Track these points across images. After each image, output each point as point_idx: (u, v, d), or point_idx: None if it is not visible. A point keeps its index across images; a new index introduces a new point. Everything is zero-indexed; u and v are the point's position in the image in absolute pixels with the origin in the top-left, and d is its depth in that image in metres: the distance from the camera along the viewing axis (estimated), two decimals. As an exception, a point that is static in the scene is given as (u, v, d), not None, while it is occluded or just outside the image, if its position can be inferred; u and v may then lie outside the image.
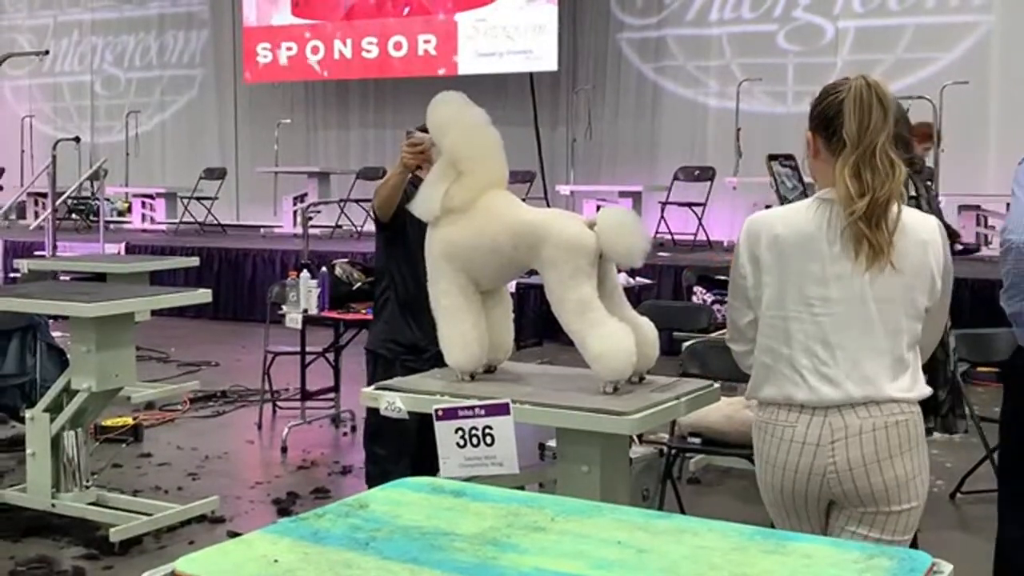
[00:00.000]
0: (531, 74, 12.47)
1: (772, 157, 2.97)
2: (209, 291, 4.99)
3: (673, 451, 4.37)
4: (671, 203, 10.81)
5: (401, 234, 4.00)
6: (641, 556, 1.67)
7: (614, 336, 3.21)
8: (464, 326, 3.40)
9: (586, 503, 1.96)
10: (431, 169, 3.46)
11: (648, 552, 1.68)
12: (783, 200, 2.91)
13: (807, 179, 2.98)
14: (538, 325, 8.50)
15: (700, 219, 10.63)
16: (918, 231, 2.40)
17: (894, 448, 2.38)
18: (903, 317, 2.39)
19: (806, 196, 2.74)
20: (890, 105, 2.38)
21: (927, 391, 2.48)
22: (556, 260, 3.23)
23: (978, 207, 7.87)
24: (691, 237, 10.67)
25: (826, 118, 2.42)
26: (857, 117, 2.34)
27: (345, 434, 6.22)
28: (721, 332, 5.30)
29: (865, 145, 2.33)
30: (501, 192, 3.46)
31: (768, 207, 10.92)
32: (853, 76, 2.42)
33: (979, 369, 6.74)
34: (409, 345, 4.05)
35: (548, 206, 12.28)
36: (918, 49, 10.77)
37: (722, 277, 7.31)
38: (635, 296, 6.91)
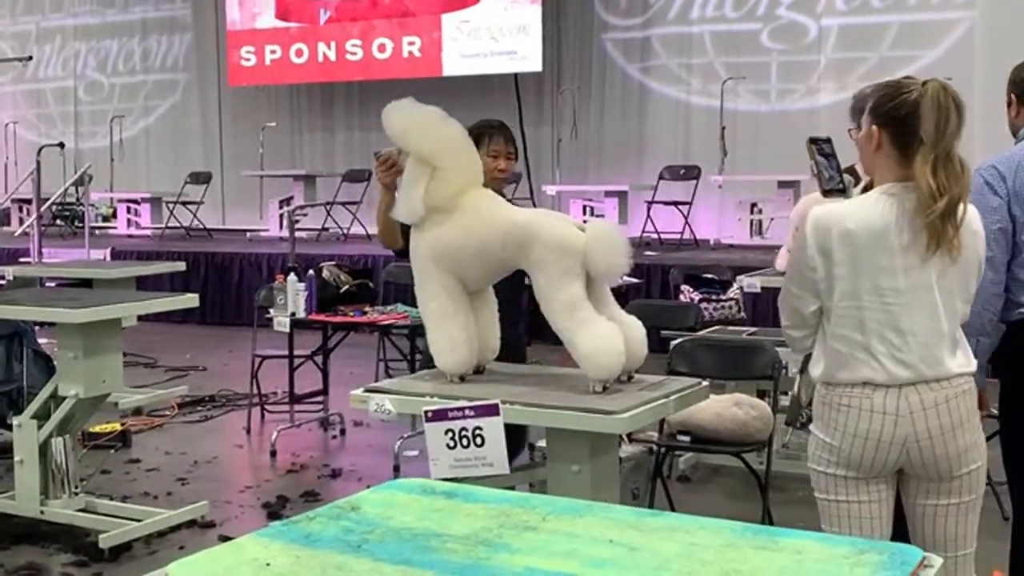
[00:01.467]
0: (516, 75, 12.47)
1: (813, 140, 2.98)
2: (196, 296, 4.98)
3: (662, 449, 4.38)
4: (657, 202, 10.83)
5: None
6: (633, 554, 1.67)
7: (603, 335, 3.22)
8: (453, 329, 3.40)
9: (577, 502, 1.96)
10: (403, 173, 3.44)
11: (640, 550, 1.68)
12: (827, 191, 2.95)
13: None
14: (527, 325, 8.50)
15: (686, 217, 10.66)
16: (971, 223, 2.58)
17: (964, 416, 2.61)
18: (959, 302, 2.62)
19: (843, 186, 2.88)
20: (964, 109, 2.53)
21: (975, 363, 2.70)
22: (545, 260, 3.23)
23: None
24: (677, 236, 10.69)
25: (897, 116, 2.54)
26: (934, 119, 2.48)
27: (334, 437, 6.21)
28: (710, 330, 5.32)
29: (943, 146, 2.48)
30: (486, 192, 3.46)
31: (753, 205, 10.86)
32: (923, 77, 2.58)
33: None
34: None
35: (535, 206, 12.30)
36: (902, 46, 10.81)
37: (709, 275, 7.33)
38: (623, 295, 6.92)
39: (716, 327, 5.57)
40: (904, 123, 2.52)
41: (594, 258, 3.20)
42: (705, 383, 3.54)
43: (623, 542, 1.71)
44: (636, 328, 3.36)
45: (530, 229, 3.28)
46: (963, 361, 2.63)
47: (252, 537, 1.83)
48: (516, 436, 3.29)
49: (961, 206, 2.50)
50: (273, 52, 13.49)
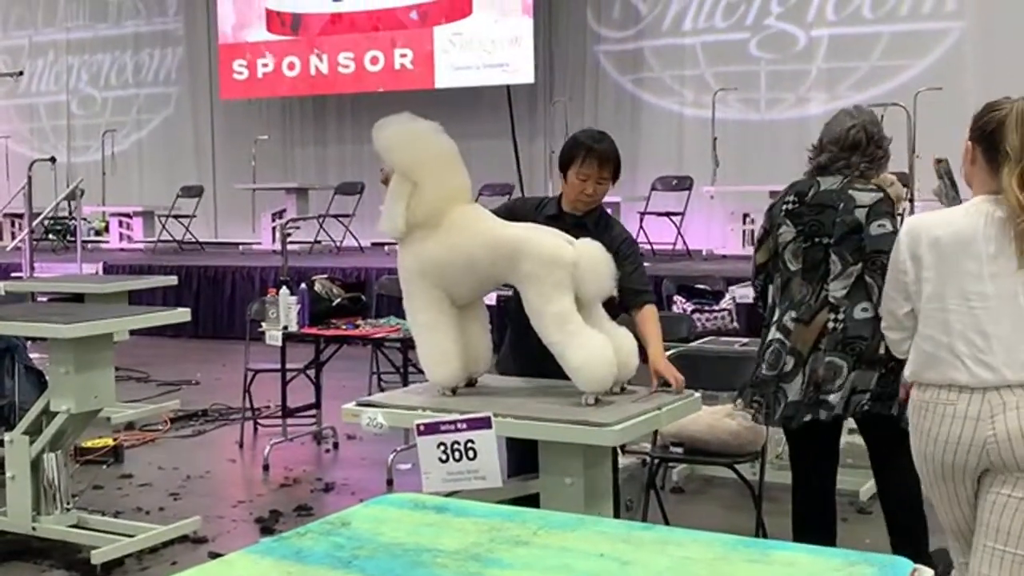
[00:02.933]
0: (508, 87, 12.49)
1: (939, 161, 3.17)
2: (188, 310, 4.98)
3: (656, 461, 4.38)
4: (649, 213, 10.84)
5: None
6: (624, 568, 1.67)
7: (593, 347, 3.22)
8: (443, 341, 3.41)
9: (568, 516, 1.96)
10: (388, 189, 3.44)
11: (631, 564, 1.68)
12: (947, 204, 3.10)
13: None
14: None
15: (679, 228, 10.67)
16: None
17: None
18: None
19: (959, 201, 2.99)
20: None
21: None
22: (535, 274, 3.24)
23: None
24: (670, 246, 10.69)
25: (986, 132, 2.74)
26: (1019, 134, 2.67)
27: (327, 451, 6.19)
28: (703, 341, 5.32)
29: None
30: (472, 206, 3.47)
31: (745, 215, 10.89)
32: (1014, 98, 2.76)
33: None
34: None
35: (527, 218, 12.30)
36: (892, 56, 10.85)
37: (701, 286, 7.33)
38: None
39: (709, 338, 5.57)
40: (991, 138, 2.71)
41: (583, 281, 3.21)
42: (697, 395, 3.54)
43: (614, 556, 1.71)
44: (627, 340, 3.37)
45: (519, 244, 3.29)
46: None
47: (242, 554, 1.82)
48: (532, 455, 3.29)
49: None
50: (265, 65, 13.50)
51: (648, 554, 1.72)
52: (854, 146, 3.76)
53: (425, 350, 3.45)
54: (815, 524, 3.83)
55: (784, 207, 3.81)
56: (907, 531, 3.79)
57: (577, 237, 3.37)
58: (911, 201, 5.98)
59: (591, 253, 3.25)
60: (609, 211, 11.00)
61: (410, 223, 3.37)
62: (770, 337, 3.80)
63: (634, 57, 12.25)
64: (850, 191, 3.70)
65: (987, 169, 2.74)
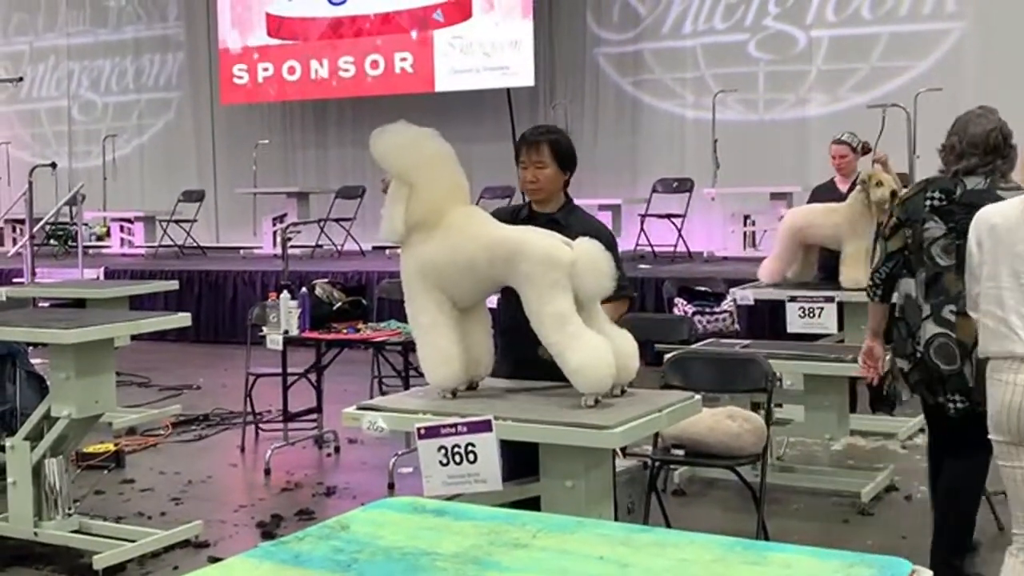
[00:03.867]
0: (508, 90, 12.49)
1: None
2: (188, 315, 4.98)
3: (657, 463, 4.37)
4: (650, 215, 10.84)
5: None
6: (624, 570, 1.67)
7: (592, 348, 3.22)
8: (443, 343, 3.41)
9: (568, 519, 1.96)
10: (387, 194, 3.46)
11: (630, 566, 1.68)
12: None
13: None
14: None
15: (679, 230, 10.66)
16: None
17: None
18: None
19: None
20: None
21: None
22: (533, 275, 3.24)
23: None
24: (671, 248, 10.69)
25: None
26: None
27: (329, 455, 6.19)
28: (703, 343, 5.31)
29: None
30: (470, 208, 3.48)
31: (746, 217, 10.85)
32: None
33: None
34: None
35: (528, 221, 12.29)
36: (892, 57, 10.85)
37: (702, 288, 7.33)
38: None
39: (710, 340, 5.56)
40: None
41: (582, 281, 3.21)
42: (698, 397, 3.54)
43: (614, 559, 1.71)
44: (627, 341, 3.36)
45: (517, 245, 3.29)
46: None
47: (241, 558, 1.83)
48: (526, 456, 3.29)
49: None
50: (266, 70, 13.51)
51: (647, 556, 1.72)
52: (995, 148, 3.88)
53: (425, 352, 3.45)
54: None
55: (928, 203, 3.87)
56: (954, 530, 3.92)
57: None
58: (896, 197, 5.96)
59: (589, 252, 3.25)
60: (610, 213, 10.95)
61: (408, 225, 3.38)
62: (931, 332, 3.80)
63: (634, 59, 12.25)
64: (997, 191, 3.80)
65: None
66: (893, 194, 5.77)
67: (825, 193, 6.34)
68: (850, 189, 6.31)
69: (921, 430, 6.23)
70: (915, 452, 5.86)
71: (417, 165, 3.43)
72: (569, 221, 3.69)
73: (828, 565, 1.63)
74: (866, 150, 6.57)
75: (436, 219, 3.37)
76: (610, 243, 3.50)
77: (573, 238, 3.31)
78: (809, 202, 6.49)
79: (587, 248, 3.26)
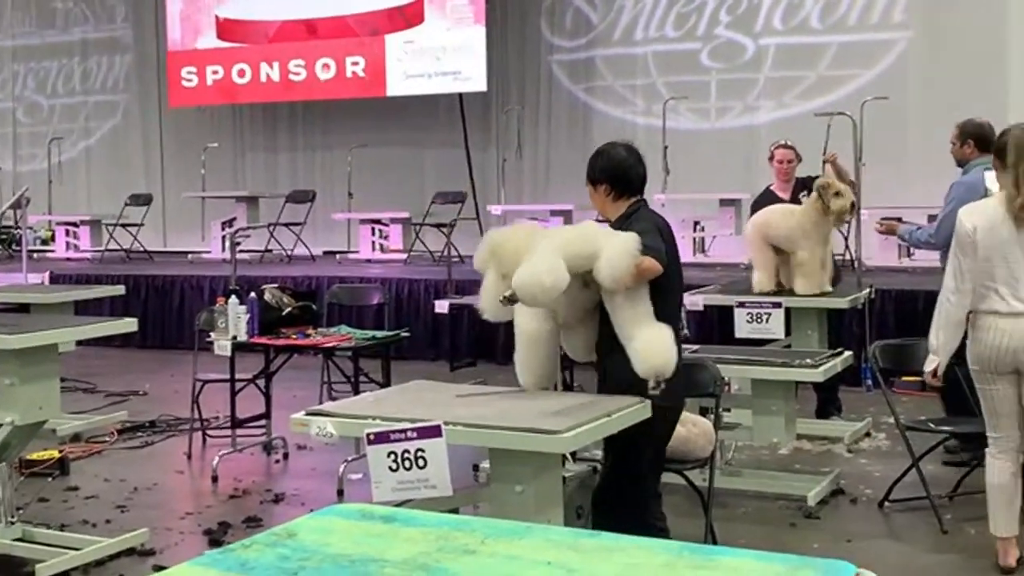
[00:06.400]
0: (461, 95, 12.50)
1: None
2: (134, 320, 4.92)
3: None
4: (601, 221, 10.85)
5: None
6: (571, 576, 1.67)
7: (655, 334, 3.56)
8: (540, 354, 3.71)
9: (516, 524, 1.96)
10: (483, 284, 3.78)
11: (577, 572, 1.68)
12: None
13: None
14: (472, 345, 8.50)
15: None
16: None
17: None
18: None
19: None
20: None
21: None
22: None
23: (899, 219, 8.02)
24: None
25: (998, 150, 4.16)
26: (1015, 152, 4.06)
27: (277, 461, 6.14)
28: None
29: (1019, 168, 4.04)
30: (540, 230, 3.82)
31: (696, 223, 10.90)
32: (1015, 126, 4.18)
33: (903, 379, 6.87)
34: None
35: (480, 226, 12.31)
36: (840, 66, 10.98)
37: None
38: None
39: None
40: (1001, 154, 4.11)
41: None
42: (647, 401, 3.56)
43: (561, 564, 1.72)
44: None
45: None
46: None
47: (186, 566, 1.81)
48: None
49: None
50: (215, 73, 13.39)
51: (594, 561, 1.73)
52: None
53: (521, 356, 3.73)
54: None
55: None
56: None
57: None
58: (855, 208, 6.02)
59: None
60: (562, 219, 10.93)
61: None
62: None
63: (586, 66, 12.30)
64: None
65: (1002, 173, 4.11)
66: (852, 205, 5.84)
67: (766, 202, 6.38)
68: (792, 195, 6.37)
69: (867, 434, 6.32)
70: (860, 456, 5.94)
71: (493, 250, 3.76)
72: (620, 229, 3.82)
73: (773, 569, 1.64)
74: (800, 158, 6.65)
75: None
76: (640, 228, 3.70)
77: None
78: (752, 214, 6.53)
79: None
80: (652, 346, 3.56)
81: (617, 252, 3.54)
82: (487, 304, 3.75)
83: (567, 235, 3.74)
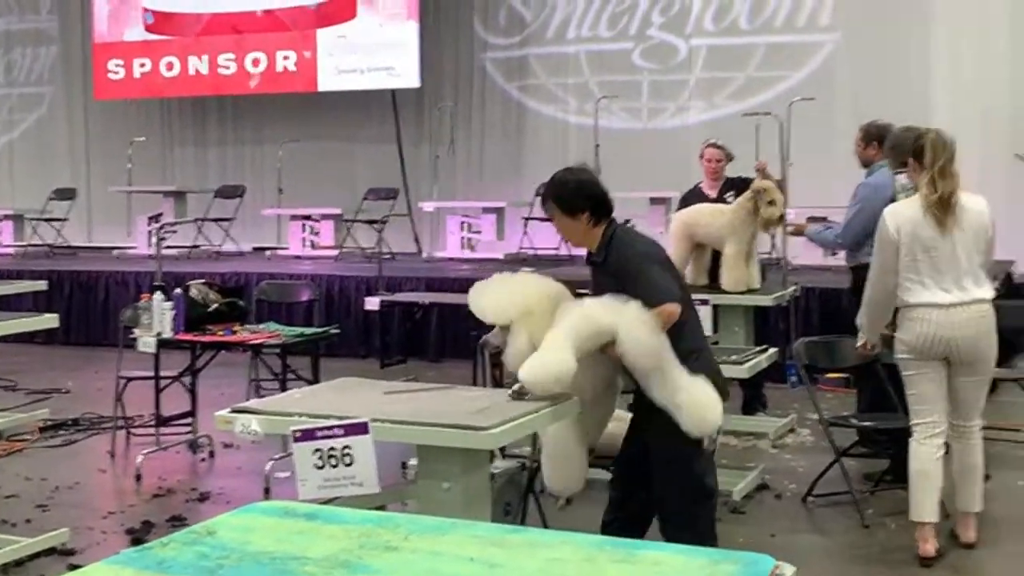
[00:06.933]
0: (393, 91, 12.43)
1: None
2: (56, 316, 4.83)
3: (535, 464, 4.38)
4: (534, 218, 10.90)
5: None
6: (493, 571, 1.67)
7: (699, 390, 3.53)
8: (569, 443, 3.69)
9: (440, 520, 1.95)
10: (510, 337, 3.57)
11: (500, 567, 1.68)
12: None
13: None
14: (403, 343, 8.48)
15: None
16: (975, 207, 4.28)
17: (988, 328, 4.29)
18: (975, 252, 4.27)
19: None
20: (952, 143, 4.26)
21: (993, 293, 4.35)
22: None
23: (824, 218, 8.16)
24: (554, 251, 10.76)
25: (916, 151, 4.32)
26: (932, 152, 4.23)
27: (203, 460, 6.05)
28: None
29: (935, 168, 4.21)
30: (565, 304, 3.58)
31: (627, 221, 10.99)
32: (930, 129, 4.39)
33: (827, 375, 6.99)
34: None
35: (412, 222, 12.27)
36: (768, 67, 11.13)
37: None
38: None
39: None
40: (919, 155, 4.28)
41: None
42: (576, 397, 3.57)
43: (484, 559, 1.71)
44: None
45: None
46: (986, 290, 4.28)
47: (102, 565, 1.77)
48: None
49: (951, 202, 4.19)
50: (143, 65, 13.16)
51: (518, 557, 1.73)
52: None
53: (549, 451, 3.75)
54: None
55: None
56: None
57: (597, 278, 3.75)
58: (782, 220, 6.09)
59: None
60: (494, 216, 10.92)
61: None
62: None
63: (520, 64, 12.31)
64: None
65: (921, 173, 4.27)
66: (781, 217, 5.92)
67: (694, 199, 6.45)
68: (719, 194, 6.44)
69: (792, 430, 6.41)
70: (785, 451, 6.03)
71: (528, 310, 3.56)
72: (607, 259, 3.72)
73: (695, 562, 1.66)
74: (730, 158, 6.73)
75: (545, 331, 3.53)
76: (639, 268, 3.61)
77: (611, 275, 3.63)
78: (679, 209, 6.59)
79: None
80: (698, 409, 3.50)
81: (635, 329, 3.45)
82: (515, 362, 3.56)
83: (572, 321, 3.49)
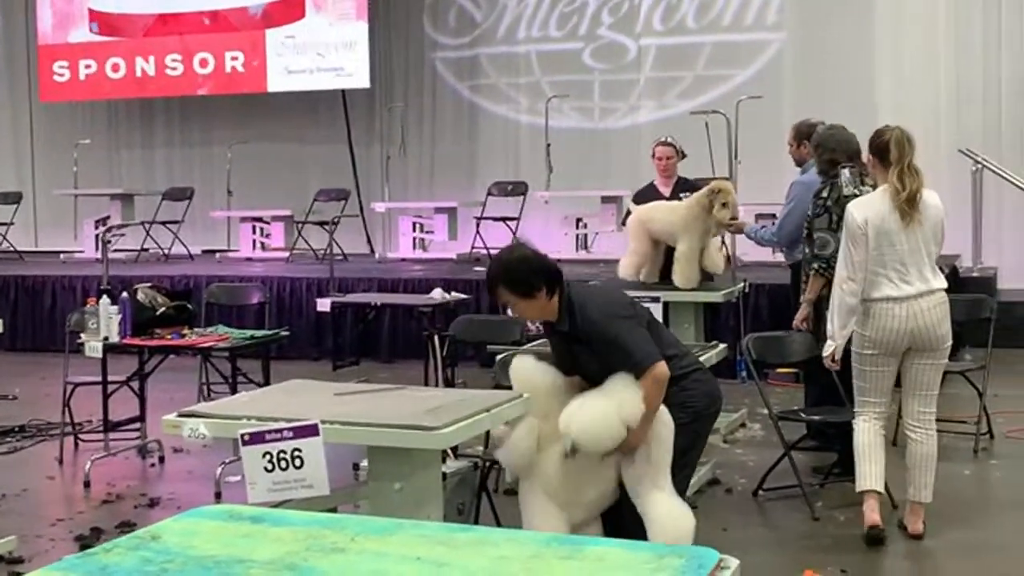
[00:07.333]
0: (343, 91, 12.38)
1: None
2: (0, 321, 4.73)
3: (488, 463, 4.39)
4: (486, 218, 10.91)
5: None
6: (440, 570, 1.67)
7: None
8: None
9: (388, 521, 1.95)
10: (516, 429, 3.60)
11: (447, 566, 1.68)
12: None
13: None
14: (355, 344, 8.44)
15: (515, 233, 10.75)
16: (932, 201, 4.43)
17: (945, 314, 4.45)
18: (933, 245, 4.44)
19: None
20: (913, 140, 4.39)
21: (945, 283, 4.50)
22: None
23: (773, 216, 8.25)
24: (506, 252, 10.77)
25: (880, 149, 4.42)
26: (897, 149, 4.34)
27: (152, 465, 5.98)
28: (534, 343, 5.37)
29: (902, 164, 4.33)
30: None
31: (579, 220, 11.02)
32: (892, 125, 4.47)
33: (776, 370, 7.06)
34: None
35: (364, 223, 12.22)
36: (716, 66, 11.23)
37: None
38: (451, 312, 6.93)
39: (541, 340, 5.62)
40: (883, 152, 4.39)
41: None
42: (527, 396, 3.58)
43: (431, 559, 1.71)
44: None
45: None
46: (942, 280, 4.47)
47: (45, 571, 1.75)
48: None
49: (918, 197, 4.33)
50: (88, 67, 12.99)
51: (465, 555, 1.73)
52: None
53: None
54: None
55: None
56: None
57: (564, 346, 3.72)
58: (731, 225, 6.14)
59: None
60: (446, 216, 10.94)
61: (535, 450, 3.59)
62: None
63: (471, 64, 12.31)
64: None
65: (882, 170, 4.41)
66: (733, 219, 5.96)
67: (648, 196, 6.49)
68: (673, 193, 6.48)
69: (742, 425, 6.47)
70: (736, 446, 6.08)
71: (562, 402, 3.60)
72: (574, 325, 3.67)
73: (640, 556, 1.67)
74: (683, 155, 6.78)
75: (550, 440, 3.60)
76: (611, 332, 3.59)
77: (582, 342, 3.62)
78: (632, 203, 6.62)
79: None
80: (667, 526, 3.53)
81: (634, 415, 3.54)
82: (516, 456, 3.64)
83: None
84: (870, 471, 4.45)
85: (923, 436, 4.50)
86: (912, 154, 4.36)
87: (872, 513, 4.43)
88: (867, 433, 4.47)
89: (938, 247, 4.47)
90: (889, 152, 4.34)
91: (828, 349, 4.53)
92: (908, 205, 4.31)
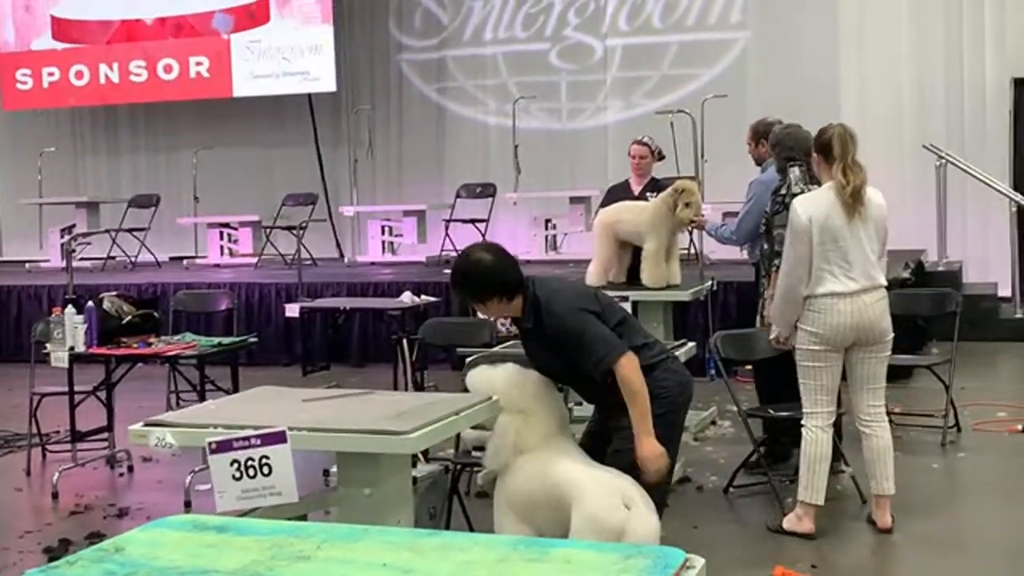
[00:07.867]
0: (310, 95, 12.34)
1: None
2: (-38, 332, 4.68)
3: (458, 467, 4.39)
4: (455, 220, 10.90)
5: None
6: (406, 576, 1.67)
7: None
8: None
9: (354, 527, 1.94)
10: (495, 427, 3.55)
11: (413, 571, 1.68)
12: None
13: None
14: (325, 349, 8.40)
15: (484, 235, 10.75)
16: (876, 200, 4.47)
17: (886, 309, 4.49)
18: (876, 242, 4.47)
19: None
20: (856, 136, 4.44)
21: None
22: (579, 531, 3.25)
23: (737, 214, 8.31)
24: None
25: (823, 146, 4.46)
26: (840, 145, 4.39)
27: (121, 475, 5.93)
28: (504, 345, 5.37)
29: (846, 159, 4.38)
30: (557, 440, 3.54)
31: (548, 221, 11.03)
32: (835, 124, 4.52)
33: (745, 367, 7.08)
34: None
35: (333, 227, 12.19)
36: (682, 65, 11.28)
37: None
38: (422, 314, 6.92)
39: (511, 343, 5.62)
40: (826, 149, 4.44)
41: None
42: (496, 398, 3.57)
43: (397, 565, 1.71)
44: None
45: (574, 492, 3.34)
46: (882, 277, 4.49)
47: (6, 587, 1.73)
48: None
49: (862, 192, 4.37)
50: (51, 74, 12.88)
51: (431, 560, 1.73)
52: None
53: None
54: None
55: None
56: None
57: (530, 341, 3.68)
58: (694, 223, 6.16)
59: (645, 530, 3.27)
60: (415, 219, 10.90)
61: (517, 450, 3.50)
62: None
63: (437, 66, 12.30)
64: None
65: (827, 167, 4.44)
66: (694, 219, 5.98)
67: (620, 193, 6.51)
68: (641, 192, 6.50)
69: (712, 422, 6.50)
70: (707, 444, 6.10)
71: (535, 395, 3.56)
72: (539, 323, 3.62)
73: (607, 558, 1.67)
74: (661, 157, 6.79)
75: (537, 447, 3.51)
76: (576, 328, 3.54)
77: (549, 336, 3.56)
78: (604, 202, 6.63)
79: (643, 525, 3.28)
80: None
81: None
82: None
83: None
84: (822, 485, 4.47)
85: (877, 429, 4.52)
86: (855, 150, 4.39)
87: (811, 523, 4.48)
88: (819, 444, 4.47)
89: (881, 245, 4.49)
90: (832, 148, 4.38)
91: (773, 333, 4.66)
92: (853, 199, 4.35)
